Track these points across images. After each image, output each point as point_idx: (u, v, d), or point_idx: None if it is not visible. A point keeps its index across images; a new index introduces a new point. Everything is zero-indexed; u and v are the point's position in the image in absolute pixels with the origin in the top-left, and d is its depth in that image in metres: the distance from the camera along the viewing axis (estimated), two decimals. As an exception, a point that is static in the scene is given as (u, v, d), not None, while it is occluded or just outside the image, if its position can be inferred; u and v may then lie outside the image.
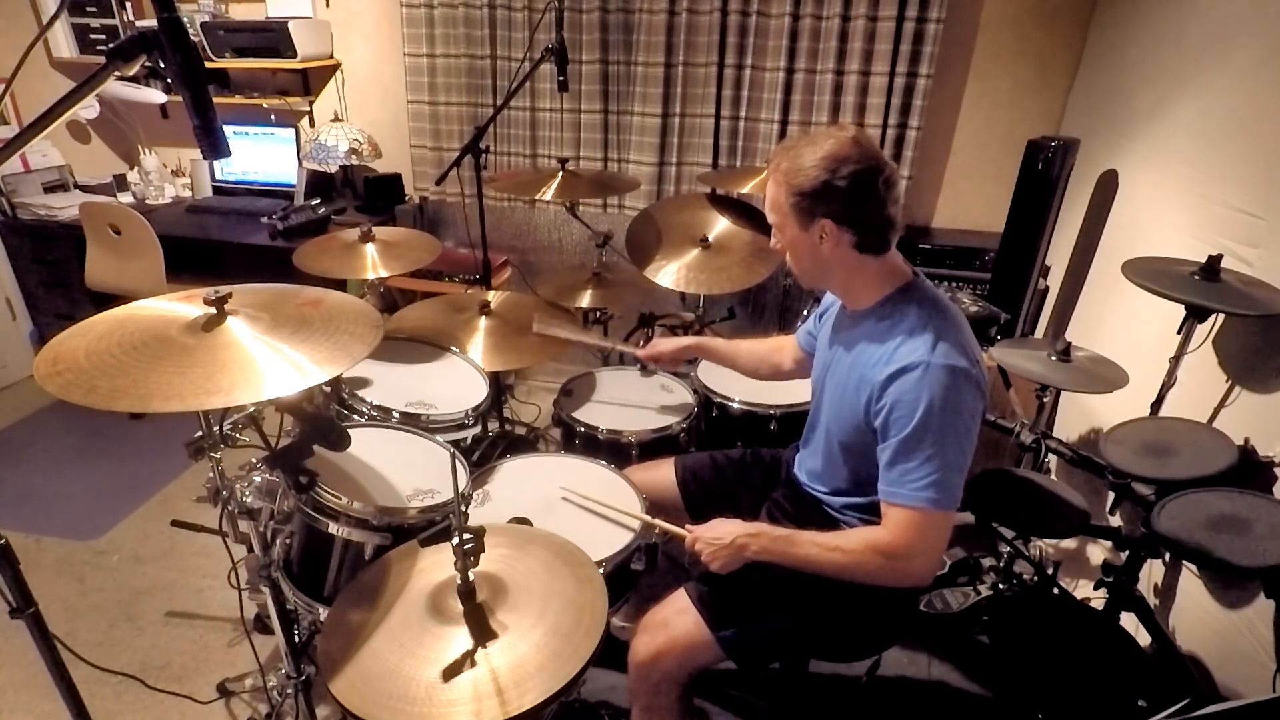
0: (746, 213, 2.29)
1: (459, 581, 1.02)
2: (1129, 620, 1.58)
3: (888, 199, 1.16)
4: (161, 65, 0.91)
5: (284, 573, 1.42)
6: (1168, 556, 1.62)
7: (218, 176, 3.41)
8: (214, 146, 0.98)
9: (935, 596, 1.98)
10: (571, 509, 1.52)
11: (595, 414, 1.89)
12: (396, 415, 1.67)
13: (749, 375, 1.74)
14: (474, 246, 2.38)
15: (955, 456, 1.12)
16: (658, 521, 1.40)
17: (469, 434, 1.75)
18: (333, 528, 1.33)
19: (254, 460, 1.42)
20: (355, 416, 1.68)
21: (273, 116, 3.29)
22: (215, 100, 0.96)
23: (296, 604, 1.42)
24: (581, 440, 1.86)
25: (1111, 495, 1.71)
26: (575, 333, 1.96)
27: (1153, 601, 1.66)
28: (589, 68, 2.85)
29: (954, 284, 2.56)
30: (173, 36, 0.90)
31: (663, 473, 1.64)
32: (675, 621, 1.29)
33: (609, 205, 3.09)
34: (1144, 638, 1.58)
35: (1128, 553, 1.55)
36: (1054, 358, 1.74)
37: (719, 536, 1.25)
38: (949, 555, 2.06)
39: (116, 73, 0.92)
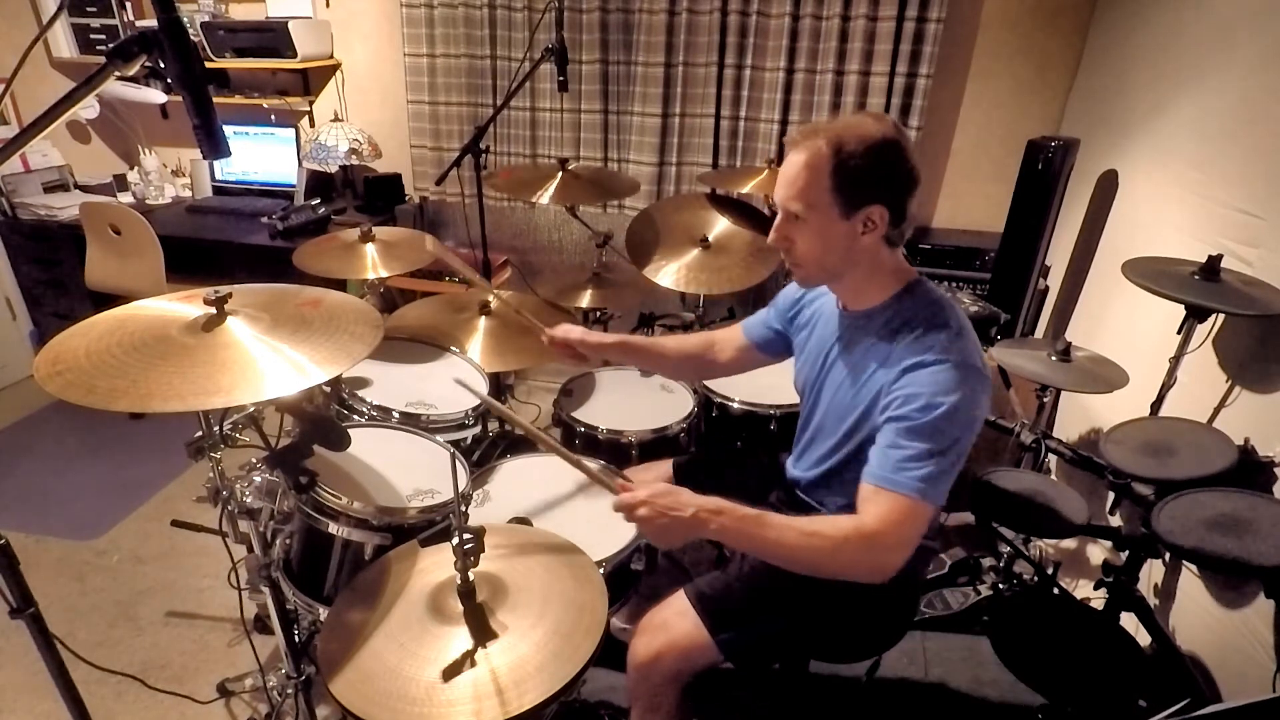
0: (746, 213, 2.29)
1: (459, 581, 1.02)
2: (1129, 620, 1.58)
3: (918, 192, 1.14)
4: (161, 65, 0.91)
5: (284, 573, 1.42)
6: (1168, 556, 1.62)
7: (218, 176, 3.42)
8: (214, 147, 0.98)
9: (935, 596, 1.98)
10: (571, 508, 1.52)
11: (595, 414, 1.89)
12: (396, 415, 1.67)
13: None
14: (474, 246, 2.38)
15: (956, 456, 1.10)
16: (583, 461, 1.25)
17: (469, 434, 1.75)
18: (333, 528, 1.33)
19: (254, 460, 1.42)
20: (355, 416, 1.68)
21: (273, 116, 3.29)
22: (215, 100, 0.96)
23: (296, 604, 1.41)
24: (581, 440, 1.86)
25: (1111, 495, 1.71)
26: (465, 269, 1.68)
27: (1153, 601, 1.66)
28: (589, 68, 2.85)
29: (954, 284, 2.57)
30: (173, 37, 0.90)
31: (658, 474, 1.62)
32: (674, 623, 1.28)
33: (609, 205, 3.09)
34: (1144, 638, 1.58)
35: (1128, 553, 1.55)
36: (1054, 358, 1.74)
37: (674, 507, 1.11)
38: (949, 555, 2.06)
39: (116, 73, 0.92)
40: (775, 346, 1.50)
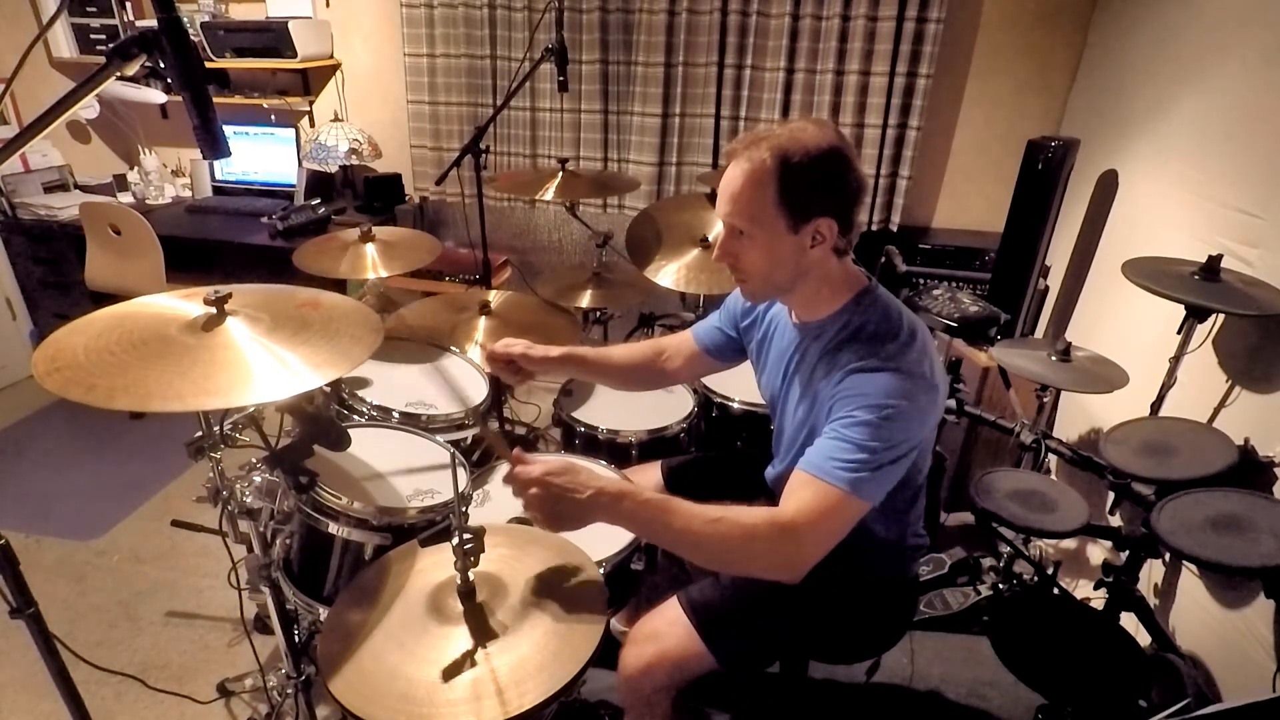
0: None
1: (459, 581, 1.02)
2: (1129, 620, 1.58)
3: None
4: (161, 65, 0.91)
5: (284, 573, 1.42)
6: (1168, 556, 1.62)
7: (218, 176, 3.42)
8: (214, 146, 0.98)
9: (935, 596, 1.98)
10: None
11: (595, 414, 1.89)
12: (396, 415, 1.67)
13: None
14: (474, 246, 2.38)
15: (893, 460, 1.05)
16: (491, 429, 1.18)
17: (469, 434, 1.75)
18: (333, 528, 1.33)
19: (254, 460, 1.42)
20: (355, 416, 1.68)
21: (273, 116, 3.29)
22: (215, 100, 0.96)
23: (296, 604, 1.42)
24: (581, 440, 1.86)
25: (1111, 495, 1.71)
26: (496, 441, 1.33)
27: (1153, 601, 1.66)
28: (589, 68, 2.85)
29: (954, 284, 2.56)
30: (173, 37, 0.90)
31: (648, 476, 1.60)
32: (666, 633, 1.24)
33: (609, 205, 3.09)
34: (1144, 638, 1.58)
35: (1128, 553, 1.55)
36: (1054, 358, 1.74)
37: (571, 487, 1.02)
38: (949, 555, 2.06)
39: (116, 73, 0.92)
40: (726, 352, 1.46)
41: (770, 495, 1.46)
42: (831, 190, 1.06)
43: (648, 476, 1.60)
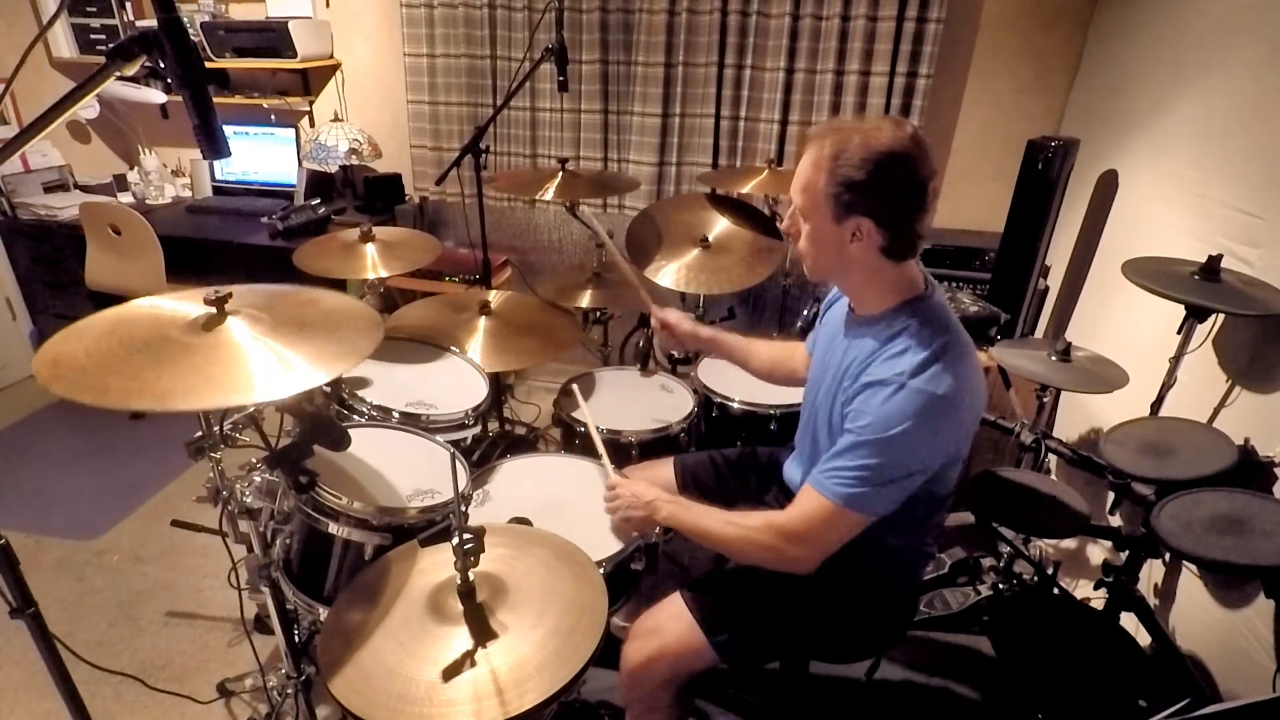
0: (746, 213, 2.29)
1: (459, 581, 1.02)
2: (1129, 620, 1.58)
3: (929, 208, 1.11)
4: (161, 65, 0.91)
5: (284, 573, 1.42)
6: (1168, 556, 1.62)
7: (218, 176, 3.42)
8: (214, 146, 0.98)
9: (935, 596, 1.98)
10: (571, 508, 1.52)
11: (595, 414, 1.88)
12: (396, 415, 1.67)
13: (761, 377, 1.66)
14: (474, 246, 2.38)
15: (895, 477, 1.10)
16: (607, 464, 1.53)
17: (469, 434, 1.75)
18: (333, 528, 1.33)
19: (254, 460, 1.42)
20: (355, 416, 1.68)
21: (273, 116, 3.29)
22: (215, 100, 0.96)
23: (296, 604, 1.42)
24: (581, 440, 1.86)
25: (1111, 495, 1.71)
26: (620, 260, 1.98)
27: (1153, 601, 1.66)
28: (589, 68, 2.85)
29: (954, 284, 2.56)
30: (173, 37, 0.90)
31: (661, 473, 1.62)
32: (668, 627, 1.26)
33: (609, 205, 3.09)
34: (1144, 638, 1.59)
35: (1128, 553, 1.55)
36: (1054, 358, 1.74)
37: (639, 495, 1.34)
38: (949, 555, 2.06)
39: (116, 73, 0.92)
40: None
41: (785, 490, 1.48)
42: (877, 193, 1.08)
43: (660, 473, 1.62)
